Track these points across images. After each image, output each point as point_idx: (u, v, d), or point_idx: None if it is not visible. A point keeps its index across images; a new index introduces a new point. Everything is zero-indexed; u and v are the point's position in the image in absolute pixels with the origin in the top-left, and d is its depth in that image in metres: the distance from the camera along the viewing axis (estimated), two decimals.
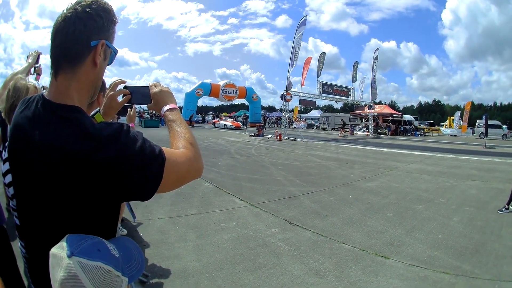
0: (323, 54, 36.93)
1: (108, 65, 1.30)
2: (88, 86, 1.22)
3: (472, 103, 54.72)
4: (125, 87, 1.64)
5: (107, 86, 1.73)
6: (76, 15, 1.12)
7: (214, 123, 50.98)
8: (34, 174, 1.07)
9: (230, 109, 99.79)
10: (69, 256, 0.95)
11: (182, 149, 1.30)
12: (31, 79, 3.30)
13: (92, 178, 1.02)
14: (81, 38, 1.13)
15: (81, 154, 1.01)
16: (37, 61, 3.43)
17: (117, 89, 1.68)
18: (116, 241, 1.17)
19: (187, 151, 1.30)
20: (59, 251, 0.97)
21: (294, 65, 29.60)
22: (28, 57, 3.41)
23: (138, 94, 1.62)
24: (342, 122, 52.41)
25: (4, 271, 1.25)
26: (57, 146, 1.02)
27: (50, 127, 1.07)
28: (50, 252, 0.99)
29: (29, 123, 1.11)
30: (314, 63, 35.85)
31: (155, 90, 1.56)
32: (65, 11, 1.13)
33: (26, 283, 1.45)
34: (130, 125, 3.08)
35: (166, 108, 1.50)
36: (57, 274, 0.95)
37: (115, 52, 1.30)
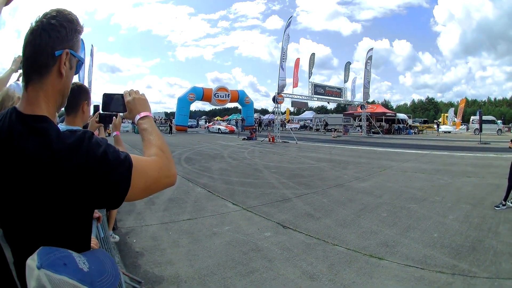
0: (313, 54, 36.86)
1: (75, 74, 1.32)
2: (55, 95, 1.24)
3: (466, 99, 55.12)
4: (104, 94, 1.63)
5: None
6: (42, 27, 1.16)
7: (207, 127, 50.79)
8: (10, 184, 1.08)
9: (223, 113, 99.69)
10: (38, 268, 0.97)
11: (153, 156, 1.31)
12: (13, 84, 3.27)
13: (60, 186, 1.06)
14: (46, 49, 1.16)
15: (48, 164, 1.05)
16: (20, 67, 3.38)
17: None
18: (90, 254, 1.18)
19: (157, 158, 1.30)
20: (31, 262, 1.00)
21: (284, 66, 29.57)
22: (12, 63, 3.36)
23: (114, 102, 1.61)
24: (324, 122, 52.71)
25: None
26: (29, 157, 1.06)
27: (22, 139, 1.09)
28: (26, 262, 1.02)
29: (5, 135, 1.12)
30: (305, 64, 35.84)
31: (128, 98, 1.56)
32: (33, 24, 1.18)
33: None
34: (116, 133, 3.05)
35: (138, 116, 1.51)
36: (30, 283, 0.98)
37: (81, 61, 1.32)
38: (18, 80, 3.34)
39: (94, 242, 1.87)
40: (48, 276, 0.96)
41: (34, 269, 0.97)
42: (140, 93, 1.61)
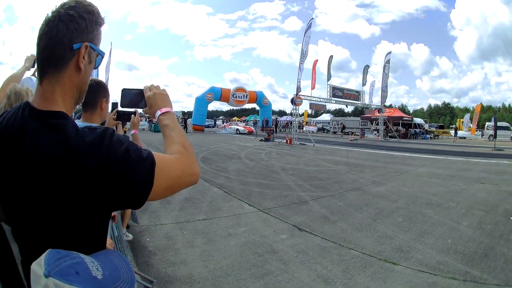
0: (331, 57, 36.69)
1: (94, 68, 1.27)
2: (72, 90, 1.19)
3: (481, 105, 54.74)
4: (123, 90, 1.60)
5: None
6: (59, 18, 1.11)
7: (224, 127, 50.67)
8: (21, 181, 1.04)
9: (240, 114, 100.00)
10: (46, 276, 0.91)
11: (175, 154, 1.27)
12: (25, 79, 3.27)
13: (78, 185, 1.01)
14: (63, 41, 1.11)
15: (65, 162, 1.00)
16: (33, 64, 3.39)
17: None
18: (104, 258, 1.12)
19: (180, 156, 1.26)
20: (38, 268, 0.94)
21: (302, 69, 29.54)
22: (25, 60, 3.37)
23: (133, 98, 1.58)
24: (341, 125, 52.73)
25: (3, 273, 1.20)
26: (44, 154, 1.01)
27: (36, 136, 1.05)
28: (31, 267, 0.95)
29: (16, 131, 1.08)
30: (323, 67, 35.62)
31: (148, 93, 1.52)
32: (49, 15, 1.12)
33: None
34: (133, 132, 3.02)
35: (159, 112, 1.46)
36: None
37: (101, 55, 1.27)
38: (33, 75, 3.35)
39: (109, 243, 1.83)
40: (57, 285, 0.90)
41: (41, 277, 0.91)
42: (161, 88, 1.56)
